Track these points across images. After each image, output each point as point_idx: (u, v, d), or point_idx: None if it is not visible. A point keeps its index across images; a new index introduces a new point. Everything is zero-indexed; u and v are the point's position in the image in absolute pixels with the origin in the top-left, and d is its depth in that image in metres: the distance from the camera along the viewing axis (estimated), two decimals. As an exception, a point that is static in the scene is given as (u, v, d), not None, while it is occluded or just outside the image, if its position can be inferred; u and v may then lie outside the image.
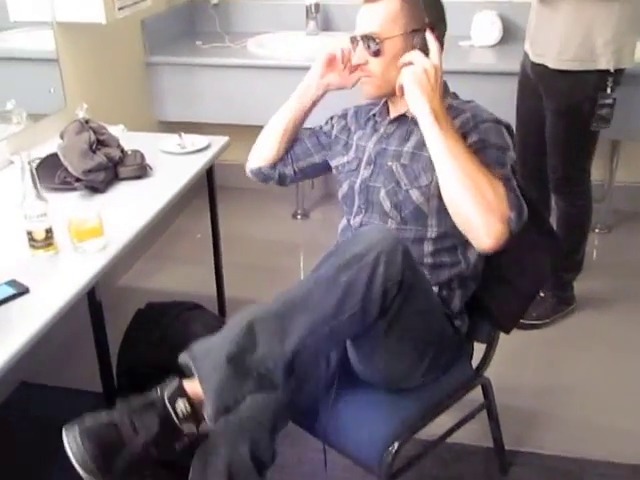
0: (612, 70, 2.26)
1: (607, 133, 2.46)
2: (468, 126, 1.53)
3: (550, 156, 2.52)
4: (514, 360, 2.40)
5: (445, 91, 1.61)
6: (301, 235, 3.48)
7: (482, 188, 1.39)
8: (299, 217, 3.59)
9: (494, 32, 3.13)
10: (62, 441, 1.35)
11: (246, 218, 3.59)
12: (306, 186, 3.55)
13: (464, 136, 1.50)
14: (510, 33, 3.16)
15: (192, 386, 1.39)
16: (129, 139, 2.35)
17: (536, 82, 2.44)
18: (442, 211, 1.53)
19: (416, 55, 1.48)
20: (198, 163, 2.26)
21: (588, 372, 2.45)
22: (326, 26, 3.37)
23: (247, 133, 3.69)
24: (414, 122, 1.56)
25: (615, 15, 2.22)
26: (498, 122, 1.56)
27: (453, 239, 1.60)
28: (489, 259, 1.65)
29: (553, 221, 2.61)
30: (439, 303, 1.60)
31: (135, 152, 2.14)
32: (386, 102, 1.69)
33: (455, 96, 1.66)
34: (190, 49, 3.22)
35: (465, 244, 1.60)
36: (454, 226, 1.48)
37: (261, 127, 3.44)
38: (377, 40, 1.52)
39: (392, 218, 1.61)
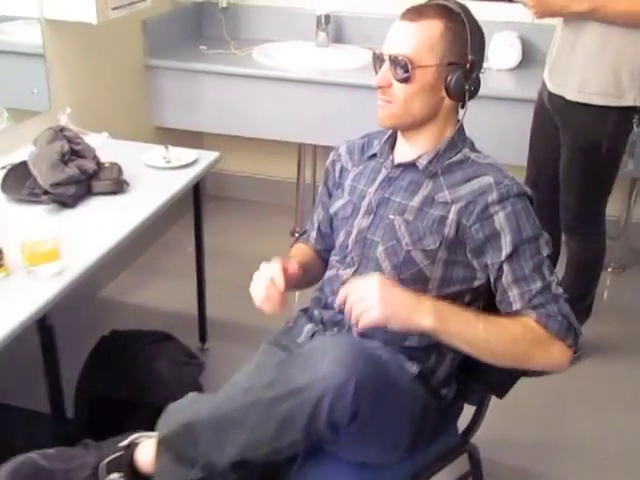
0: (639, 107, 2.08)
1: (626, 172, 2.30)
2: (490, 196, 1.35)
3: (563, 194, 2.34)
4: (509, 411, 2.21)
5: (462, 139, 1.46)
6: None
7: (525, 352, 1.32)
8: (297, 234, 3.40)
9: (513, 54, 2.94)
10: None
11: (242, 232, 3.44)
12: (307, 202, 3.39)
13: (485, 211, 1.35)
14: (530, 56, 2.98)
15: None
16: (112, 148, 2.21)
17: (553, 114, 2.27)
18: (447, 277, 1.41)
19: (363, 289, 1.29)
20: (182, 180, 2.11)
21: (592, 429, 2.27)
22: (338, 38, 3.21)
23: (249, 143, 3.69)
24: (425, 174, 1.42)
25: None
26: (523, 193, 1.38)
27: (453, 301, 1.43)
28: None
29: (563, 262, 2.44)
30: (417, 393, 1.41)
31: (112, 165, 1.99)
32: (390, 139, 1.51)
33: (472, 146, 1.47)
34: (193, 54, 3.07)
35: (467, 304, 1.44)
36: (457, 291, 1.41)
37: (262, 140, 3.36)
38: (408, 66, 1.34)
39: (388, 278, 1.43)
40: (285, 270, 1.41)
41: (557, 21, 2.24)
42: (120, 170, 1.98)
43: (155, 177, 2.11)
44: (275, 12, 3.26)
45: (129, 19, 2.73)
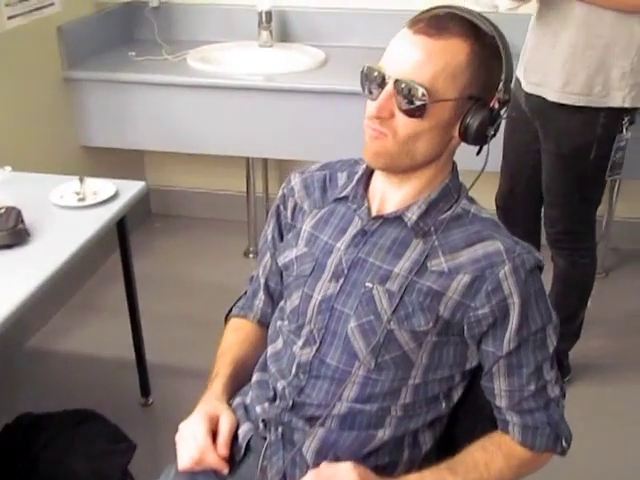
0: (629, 107, 1.79)
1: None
2: (502, 270, 1.06)
3: (547, 206, 2.06)
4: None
5: (457, 185, 1.15)
6: (253, 278, 2.98)
7: (514, 476, 1.14)
8: (251, 255, 3.10)
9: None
10: None
11: (191, 255, 3.11)
12: (259, 218, 3.08)
13: (497, 292, 1.06)
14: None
15: None
16: (15, 186, 1.87)
17: (531, 117, 1.97)
18: (435, 361, 1.12)
19: None
20: (99, 220, 1.77)
21: (586, 453, 2.00)
22: (283, 36, 2.88)
23: (194, 156, 3.31)
24: (414, 231, 1.11)
25: (637, 38, 1.75)
26: (538, 266, 1.10)
27: (439, 385, 1.15)
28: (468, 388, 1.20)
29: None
30: None
31: (9, 210, 1.65)
32: (363, 177, 1.17)
33: (468, 195, 1.16)
34: (120, 62, 2.72)
35: (452, 387, 1.17)
36: (446, 376, 1.14)
37: (205, 156, 3.03)
38: (426, 98, 1.01)
39: (362, 362, 1.12)
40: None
41: (532, 11, 1.94)
42: (19, 217, 1.64)
43: (66, 219, 1.78)
44: (211, 10, 2.91)
45: (40, 26, 2.38)
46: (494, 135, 1.07)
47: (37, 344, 2.54)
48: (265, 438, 1.18)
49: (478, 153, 1.11)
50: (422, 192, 1.11)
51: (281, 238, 1.28)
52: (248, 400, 1.25)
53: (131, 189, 1.91)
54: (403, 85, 1.02)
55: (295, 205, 1.25)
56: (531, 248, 1.09)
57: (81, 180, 1.88)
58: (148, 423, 2.23)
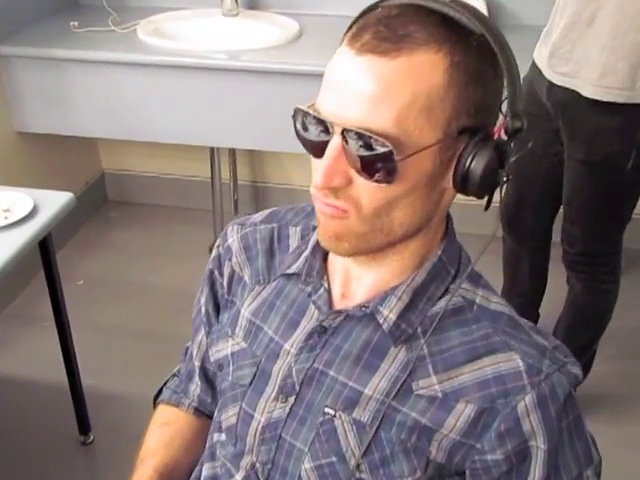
0: None
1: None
2: (521, 401, 0.73)
3: (568, 221, 1.74)
4: None
5: (454, 255, 0.81)
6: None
7: None
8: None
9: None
10: None
11: (144, 250, 2.77)
12: (226, 207, 2.74)
13: (513, 433, 0.73)
14: (499, 20, 2.31)
15: None
16: None
17: (554, 113, 1.63)
18: None
19: None
20: (12, 245, 1.43)
21: None
22: (250, 4, 2.50)
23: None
24: (393, 336, 0.77)
25: None
26: (570, 385, 0.75)
27: None
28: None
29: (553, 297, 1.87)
30: None
31: None
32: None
33: (476, 279, 0.81)
34: (59, 34, 2.33)
35: None
36: None
37: (155, 144, 2.65)
38: (389, 154, 0.67)
39: None
40: None
41: None
42: None
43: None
44: (168, -29, 2.52)
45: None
46: (507, 180, 0.73)
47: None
48: None
49: (487, 208, 0.76)
50: (403, 273, 0.78)
51: (217, 313, 0.95)
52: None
53: (54, 202, 1.56)
54: (355, 137, 0.67)
55: (232, 273, 0.91)
56: (565, 360, 0.76)
57: (-10, 194, 1.54)
58: (88, 465, 1.92)
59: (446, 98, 0.67)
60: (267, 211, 0.93)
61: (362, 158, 0.67)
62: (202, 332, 0.97)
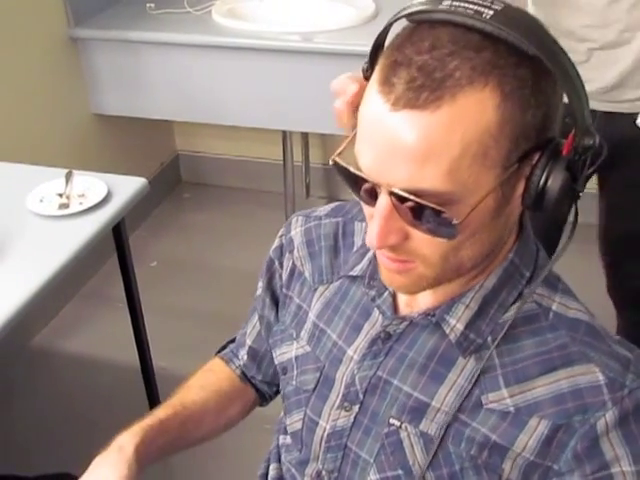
0: None
1: None
2: (602, 418, 0.67)
3: (629, 259, 1.58)
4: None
5: (529, 258, 0.74)
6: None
7: None
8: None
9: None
10: None
11: (216, 233, 2.78)
12: (297, 188, 2.72)
13: (593, 450, 0.67)
14: None
15: None
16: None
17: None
18: None
19: None
20: (86, 230, 1.44)
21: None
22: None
23: None
24: (461, 347, 0.72)
25: None
26: None
27: None
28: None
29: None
30: None
31: (-32, 226, 1.33)
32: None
33: (554, 283, 0.75)
34: (135, 17, 2.33)
35: None
36: None
37: (233, 127, 2.63)
38: (451, 220, 0.61)
39: None
40: None
41: None
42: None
43: (44, 231, 1.44)
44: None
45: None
46: (579, 194, 0.66)
47: (43, 342, 2.27)
48: None
49: (574, 226, 0.70)
50: (472, 280, 0.72)
51: (275, 304, 0.93)
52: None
53: (127, 187, 1.56)
54: (404, 200, 0.61)
55: (294, 267, 0.88)
56: (632, 364, 0.69)
57: (67, 177, 1.55)
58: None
59: (501, 136, 0.60)
60: (332, 205, 0.90)
61: (416, 218, 0.62)
62: (256, 317, 0.97)
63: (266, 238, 2.72)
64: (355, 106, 0.68)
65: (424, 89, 0.58)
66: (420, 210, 0.61)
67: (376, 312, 0.78)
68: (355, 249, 0.83)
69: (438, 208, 0.60)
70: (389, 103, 0.59)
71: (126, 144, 2.61)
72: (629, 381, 0.68)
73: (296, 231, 0.89)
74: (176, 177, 3.04)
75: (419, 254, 0.66)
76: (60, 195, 1.51)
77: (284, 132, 2.58)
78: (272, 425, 0.97)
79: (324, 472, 0.81)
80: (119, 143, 2.57)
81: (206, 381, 0.97)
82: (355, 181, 0.65)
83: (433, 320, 0.73)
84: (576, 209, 0.68)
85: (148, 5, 2.36)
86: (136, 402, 1.95)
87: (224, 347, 1.04)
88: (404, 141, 0.59)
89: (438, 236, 0.63)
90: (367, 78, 0.67)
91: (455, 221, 0.61)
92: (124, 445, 0.82)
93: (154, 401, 1.91)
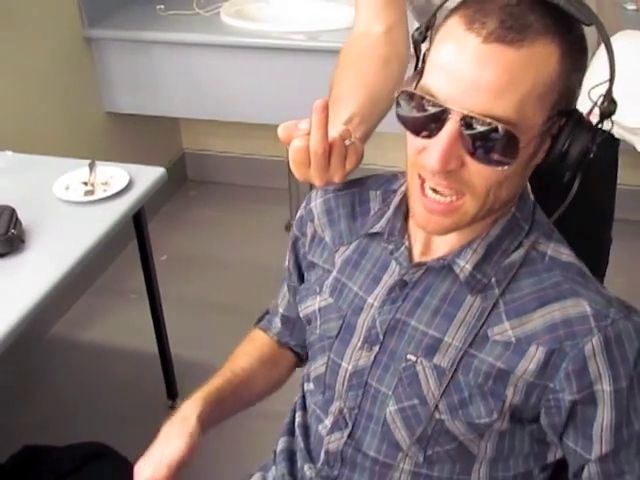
0: None
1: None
2: (588, 343, 0.77)
3: None
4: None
5: (527, 212, 0.84)
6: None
7: None
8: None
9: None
10: None
11: (223, 228, 2.85)
12: (302, 187, 2.79)
13: (582, 373, 0.77)
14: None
15: None
16: (17, 173, 1.63)
17: None
18: (504, 454, 0.85)
19: None
20: (109, 217, 1.52)
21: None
22: (330, -15, 2.53)
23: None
24: (469, 285, 0.82)
25: None
26: (637, 333, 0.78)
27: None
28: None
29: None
30: None
31: (2, 210, 1.40)
32: (401, 205, 0.89)
33: (550, 234, 0.85)
34: (146, 18, 2.42)
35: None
36: (522, 472, 0.87)
37: (242, 124, 2.72)
38: (517, 140, 0.71)
39: (406, 454, 0.86)
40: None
41: None
42: (11, 219, 1.40)
43: (71, 217, 1.53)
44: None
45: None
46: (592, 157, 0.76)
47: (60, 332, 2.34)
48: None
49: (568, 188, 0.78)
50: (480, 230, 0.83)
51: (299, 271, 1.02)
52: (270, 478, 1.00)
53: (148, 176, 1.64)
54: (476, 124, 0.70)
55: (314, 234, 0.97)
56: (632, 311, 0.79)
57: (91, 167, 1.63)
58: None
59: (556, 85, 0.72)
60: (347, 180, 0.98)
61: (481, 143, 0.71)
62: (285, 288, 1.07)
63: (272, 232, 2.83)
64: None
65: (512, 30, 0.69)
66: (485, 136, 0.70)
67: (394, 264, 0.87)
68: (372, 213, 0.92)
69: (508, 128, 0.70)
70: (481, 37, 0.70)
71: (136, 142, 2.69)
72: (612, 313, 0.77)
73: (315, 202, 0.97)
74: (182, 175, 3.12)
75: (469, 185, 0.75)
76: (85, 183, 1.59)
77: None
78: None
79: (346, 409, 0.90)
80: (129, 141, 2.65)
81: (250, 349, 1.07)
82: (422, 109, 0.73)
83: (445, 263, 0.83)
84: (580, 174, 0.77)
85: (158, 7, 2.45)
86: (153, 388, 2.04)
87: (261, 318, 1.14)
88: (488, 72, 0.69)
89: (493, 164, 0.73)
90: (424, 39, 0.79)
91: (521, 143, 0.71)
92: (187, 416, 0.92)
93: (171, 385, 1.99)
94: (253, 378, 1.03)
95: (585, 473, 0.81)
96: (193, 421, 0.91)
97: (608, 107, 0.74)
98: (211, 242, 2.78)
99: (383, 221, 0.89)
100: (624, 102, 1.18)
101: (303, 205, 1.00)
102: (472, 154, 0.72)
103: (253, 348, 1.08)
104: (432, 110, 0.73)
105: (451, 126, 0.71)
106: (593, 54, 1.19)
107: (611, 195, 1.43)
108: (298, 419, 1.00)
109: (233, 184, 3.08)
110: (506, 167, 0.73)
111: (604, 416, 0.78)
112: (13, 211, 1.42)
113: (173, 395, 2.01)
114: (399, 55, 0.84)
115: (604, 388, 0.77)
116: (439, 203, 0.77)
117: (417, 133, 0.75)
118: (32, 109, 2.14)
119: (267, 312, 1.14)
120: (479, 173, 0.74)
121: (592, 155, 0.75)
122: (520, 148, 0.71)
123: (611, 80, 0.74)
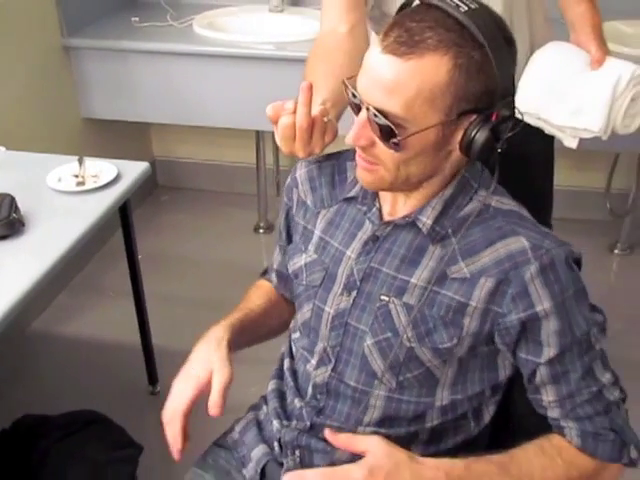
0: None
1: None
2: (528, 270, 0.93)
3: None
4: None
5: (476, 175, 1.02)
6: (263, 254, 2.85)
7: None
8: (261, 231, 2.99)
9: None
10: None
11: (195, 230, 2.99)
12: (270, 191, 2.96)
13: (523, 295, 0.94)
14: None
15: None
16: (10, 167, 1.75)
17: None
18: (463, 377, 1.01)
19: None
20: (100, 205, 1.65)
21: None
22: (294, 1, 2.71)
23: (202, 127, 3.13)
24: (430, 237, 0.99)
25: None
26: (571, 260, 0.96)
27: (469, 403, 1.04)
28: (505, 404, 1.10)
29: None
30: None
31: (2, 198, 1.53)
32: None
33: (495, 190, 1.01)
34: (123, 28, 2.56)
35: (483, 404, 1.06)
36: (477, 393, 1.04)
37: (212, 128, 2.87)
38: (395, 132, 0.89)
39: (381, 381, 1.02)
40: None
41: None
42: (12, 204, 1.52)
43: (64, 205, 1.65)
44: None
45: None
46: (501, 152, 0.94)
47: (40, 327, 2.44)
48: (282, 464, 1.08)
49: (491, 171, 0.99)
50: (434, 193, 1.00)
51: (287, 232, 1.19)
52: (262, 416, 1.15)
53: (134, 170, 1.78)
54: (375, 114, 0.89)
55: (299, 199, 1.14)
56: (564, 242, 0.96)
57: (80, 161, 1.76)
58: (155, 413, 2.13)
59: (447, 92, 0.87)
60: (327, 153, 1.14)
61: (380, 129, 0.90)
62: (277, 250, 1.23)
63: (241, 234, 2.97)
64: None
65: (404, 44, 0.86)
66: (382, 125, 0.89)
67: (367, 222, 1.04)
68: (349, 180, 1.09)
69: (390, 125, 0.88)
70: (381, 47, 0.88)
71: (110, 148, 2.75)
72: (546, 244, 0.94)
73: (300, 172, 1.14)
74: (153, 182, 3.23)
75: (380, 159, 0.94)
76: (76, 176, 1.72)
77: (257, 136, 2.82)
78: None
79: (329, 348, 1.05)
80: (103, 147, 2.74)
81: (260, 293, 1.24)
82: (352, 96, 0.93)
83: (410, 220, 1.00)
84: (496, 163, 0.96)
85: (133, 19, 2.59)
86: (134, 375, 2.16)
87: (265, 271, 1.30)
88: (383, 76, 0.88)
89: (388, 147, 0.91)
90: None
91: (398, 138, 0.89)
92: (220, 338, 1.06)
93: (152, 371, 2.11)
94: (268, 314, 1.19)
95: (537, 377, 0.97)
96: (225, 344, 1.05)
97: (503, 111, 0.90)
98: (183, 243, 2.91)
99: (357, 187, 1.06)
100: (551, 103, 1.39)
101: (290, 175, 1.16)
102: (378, 137, 0.91)
103: (263, 292, 1.24)
104: (353, 100, 0.93)
105: (363, 113, 0.91)
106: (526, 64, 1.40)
107: (549, 183, 1.63)
108: (287, 364, 1.15)
109: (203, 190, 3.21)
110: (400, 151, 0.90)
111: (550, 324, 0.93)
112: (13, 198, 1.54)
113: (154, 380, 2.13)
114: (361, 50, 1.01)
115: (545, 306, 0.93)
116: (363, 159, 0.95)
117: (354, 113, 0.95)
118: (12, 113, 2.24)
119: (265, 271, 1.30)
120: (384, 152, 0.92)
121: (503, 146, 0.92)
122: (407, 138, 0.89)
123: (506, 90, 0.90)
